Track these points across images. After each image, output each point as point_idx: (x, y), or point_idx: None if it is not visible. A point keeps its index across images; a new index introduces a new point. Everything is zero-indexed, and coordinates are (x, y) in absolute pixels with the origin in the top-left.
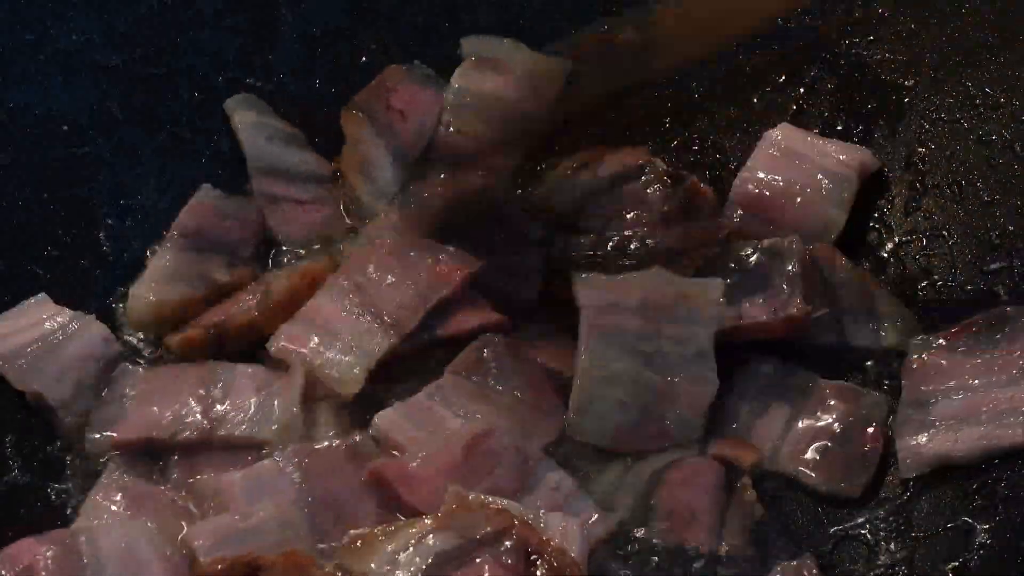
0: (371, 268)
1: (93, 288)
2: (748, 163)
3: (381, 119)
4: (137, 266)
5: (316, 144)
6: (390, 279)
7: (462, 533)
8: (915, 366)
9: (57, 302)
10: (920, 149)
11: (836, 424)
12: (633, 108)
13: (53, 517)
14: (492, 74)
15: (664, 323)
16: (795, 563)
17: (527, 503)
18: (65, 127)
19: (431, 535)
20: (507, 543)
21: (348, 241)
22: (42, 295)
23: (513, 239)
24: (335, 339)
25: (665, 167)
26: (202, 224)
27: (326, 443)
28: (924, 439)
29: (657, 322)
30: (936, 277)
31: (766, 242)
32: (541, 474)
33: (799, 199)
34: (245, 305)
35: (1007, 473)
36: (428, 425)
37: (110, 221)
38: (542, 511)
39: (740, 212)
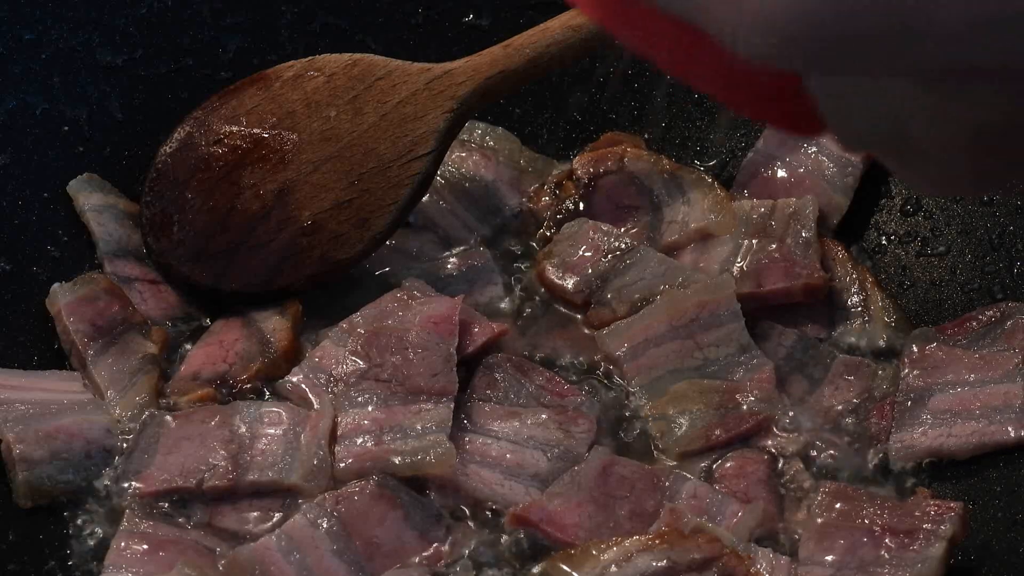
0: (391, 358)
1: None
2: (756, 145)
3: None
4: None
5: None
6: (411, 357)
7: (672, 556)
8: (914, 358)
9: None
10: None
11: (851, 399)
12: (632, 107)
13: (53, 519)
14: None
15: (697, 335)
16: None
17: None
18: (65, 127)
19: (643, 554)
20: (714, 571)
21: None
22: (78, 374)
23: None
24: (403, 433)
25: None
26: (91, 320)
27: (353, 487)
28: (917, 432)
29: (690, 337)
30: (935, 278)
31: (780, 202)
32: (676, 487)
33: (805, 182)
34: (247, 356)
35: (1002, 470)
36: (479, 456)
37: None
38: (752, 544)
39: (747, 193)
